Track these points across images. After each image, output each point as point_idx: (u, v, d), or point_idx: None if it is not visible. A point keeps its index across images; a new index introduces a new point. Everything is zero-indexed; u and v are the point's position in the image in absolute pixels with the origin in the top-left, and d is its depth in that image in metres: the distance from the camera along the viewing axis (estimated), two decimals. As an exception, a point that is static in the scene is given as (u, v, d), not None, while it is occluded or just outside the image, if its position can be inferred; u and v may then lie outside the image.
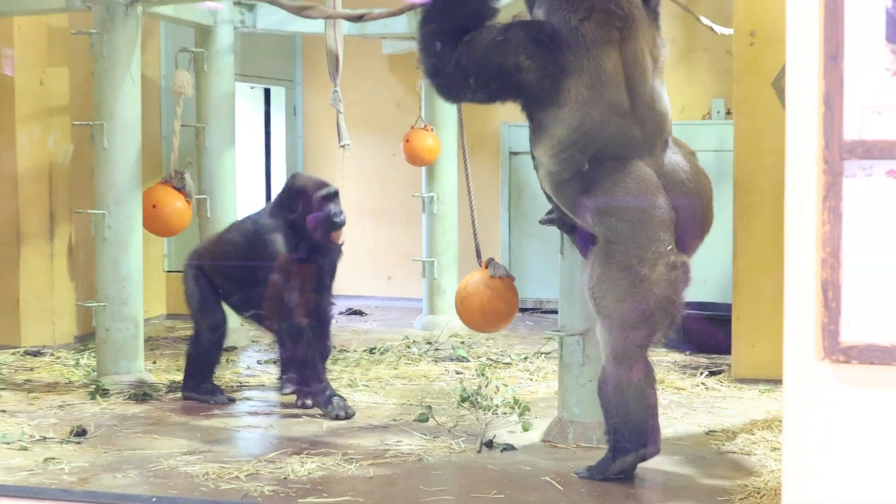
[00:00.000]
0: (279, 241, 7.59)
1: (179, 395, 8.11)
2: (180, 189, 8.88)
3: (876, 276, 3.15)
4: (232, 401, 7.98)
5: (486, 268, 7.26)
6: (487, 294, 7.20)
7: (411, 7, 6.71)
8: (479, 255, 7.68)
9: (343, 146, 9.75)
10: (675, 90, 11.89)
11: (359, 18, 6.82)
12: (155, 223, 8.87)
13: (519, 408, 7.42)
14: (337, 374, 8.80)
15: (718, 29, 9.61)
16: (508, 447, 6.64)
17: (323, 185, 7.75)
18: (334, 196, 7.70)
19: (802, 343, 3.21)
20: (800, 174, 3.17)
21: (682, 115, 11.90)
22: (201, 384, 8.01)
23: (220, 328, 8.08)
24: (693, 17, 9.51)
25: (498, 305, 7.26)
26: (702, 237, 6.24)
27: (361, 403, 7.90)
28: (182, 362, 8.40)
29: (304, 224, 7.61)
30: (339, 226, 7.67)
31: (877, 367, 3.16)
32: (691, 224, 5.99)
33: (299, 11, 6.47)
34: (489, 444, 6.66)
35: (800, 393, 3.22)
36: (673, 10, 9.29)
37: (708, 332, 9.70)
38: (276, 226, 7.65)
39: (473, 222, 7.92)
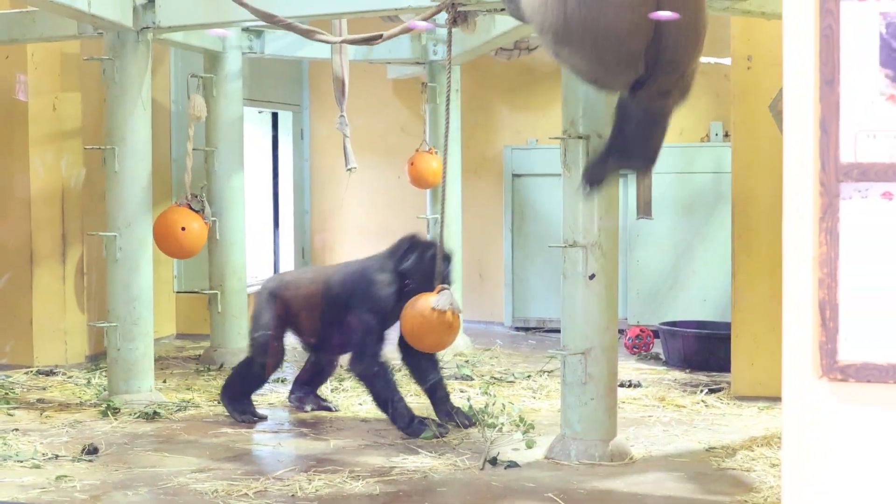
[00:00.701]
0: (385, 286, 7.67)
1: (189, 413, 8.19)
2: (199, 211, 8.99)
3: (872, 296, 3.18)
4: (262, 418, 8.12)
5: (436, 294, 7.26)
6: (419, 321, 7.22)
7: (423, 18, 6.75)
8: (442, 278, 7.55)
9: (349, 169, 9.87)
10: (674, 113, 12.02)
11: (374, 40, 6.88)
12: (180, 246, 8.97)
13: (523, 425, 7.51)
14: (346, 393, 8.86)
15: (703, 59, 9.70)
16: (512, 464, 6.72)
17: (430, 246, 7.76)
18: (449, 259, 7.64)
19: (800, 361, 3.23)
20: (797, 196, 3.22)
21: (681, 137, 12.00)
22: (238, 401, 8.14)
23: (277, 358, 8.19)
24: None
25: (424, 335, 7.29)
26: (697, 48, 5.92)
27: (368, 422, 7.98)
28: (191, 381, 8.45)
29: (414, 273, 7.63)
30: (442, 308, 7.27)
31: (874, 386, 3.18)
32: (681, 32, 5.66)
33: (313, 35, 6.55)
34: (493, 462, 6.73)
35: (798, 410, 3.25)
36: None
37: (707, 351, 9.79)
38: (384, 271, 7.72)
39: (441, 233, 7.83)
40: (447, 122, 7.31)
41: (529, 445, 7.11)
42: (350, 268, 8.05)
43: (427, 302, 7.15)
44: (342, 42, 7.71)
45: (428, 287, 7.33)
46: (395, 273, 7.69)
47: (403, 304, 7.35)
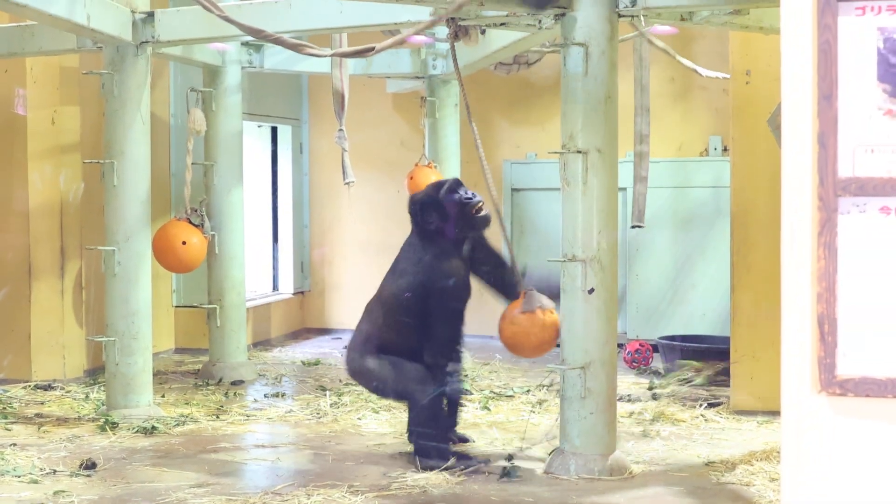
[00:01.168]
0: (453, 262, 7.20)
1: (187, 427, 8.18)
2: (198, 225, 8.99)
3: (871, 311, 3.19)
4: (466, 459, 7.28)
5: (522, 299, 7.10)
6: (513, 331, 7.13)
7: (415, 32, 6.74)
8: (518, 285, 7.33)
9: (348, 183, 9.89)
10: (673, 128, 12.08)
11: (366, 53, 6.88)
12: (180, 260, 8.97)
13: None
14: (345, 408, 8.86)
15: (703, 71, 9.73)
16: (509, 471, 6.76)
17: (439, 184, 7.36)
18: (456, 185, 7.26)
19: (799, 376, 3.24)
20: (795, 210, 3.23)
21: (679, 152, 12.01)
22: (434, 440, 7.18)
23: (433, 383, 7.15)
24: (684, 58, 9.61)
25: (523, 343, 7.18)
26: None
27: (369, 435, 7.98)
28: (189, 396, 8.42)
29: (448, 228, 7.21)
30: (477, 203, 7.15)
31: (872, 400, 3.19)
32: None
33: (302, 49, 6.55)
34: (508, 474, 6.77)
35: (797, 425, 3.26)
36: (671, 49, 9.40)
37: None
38: (435, 249, 7.19)
39: (509, 246, 7.68)
40: (475, 135, 7.23)
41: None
42: (407, 268, 7.29)
43: (514, 309, 7.10)
44: (332, 55, 7.69)
45: (468, 213, 7.18)
46: (441, 245, 7.22)
47: (461, 242, 7.24)
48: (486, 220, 7.25)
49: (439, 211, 7.18)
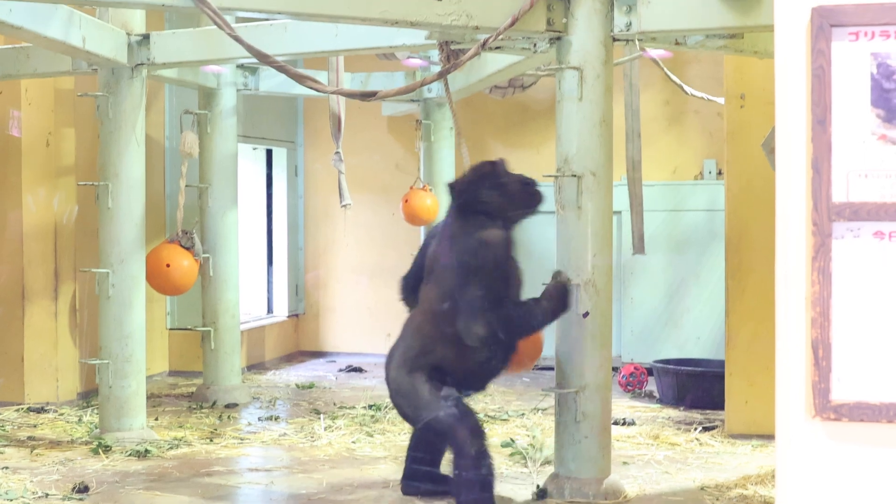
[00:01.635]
0: (501, 234, 6.34)
1: (181, 451, 8.16)
2: (189, 248, 8.98)
3: (865, 336, 3.19)
4: None
5: None
6: None
7: (422, 84, 6.79)
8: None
9: (344, 206, 9.90)
10: (667, 151, 12.10)
11: (369, 97, 6.89)
12: (167, 282, 8.95)
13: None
14: (339, 431, 8.84)
15: (689, 90, 9.76)
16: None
17: (488, 164, 6.58)
18: (504, 163, 6.60)
19: (794, 401, 3.24)
20: (789, 235, 3.23)
21: (674, 175, 12.03)
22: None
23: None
24: (675, 77, 9.64)
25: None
26: None
27: (363, 459, 7.97)
28: (183, 419, 8.38)
29: (511, 207, 6.41)
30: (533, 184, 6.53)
31: (867, 425, 3.19)
32: None
33: (304, 81, 6.56)
34: (542, 495, 6.76)
35: (792, 450, 3.25)
36: (664, 73, 9.42)
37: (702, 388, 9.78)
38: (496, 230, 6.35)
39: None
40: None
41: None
42: (448, 255, 6.45)
43: None
44: (334, 93, 7.70)
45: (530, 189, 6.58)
46: (489, 216, 6.40)
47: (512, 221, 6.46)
48: (542, 198, 6.59)
49: (501, 189, 6.44)
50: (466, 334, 6.23)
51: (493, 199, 6.39)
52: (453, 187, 6.51)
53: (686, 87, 9.67)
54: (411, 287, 6.87)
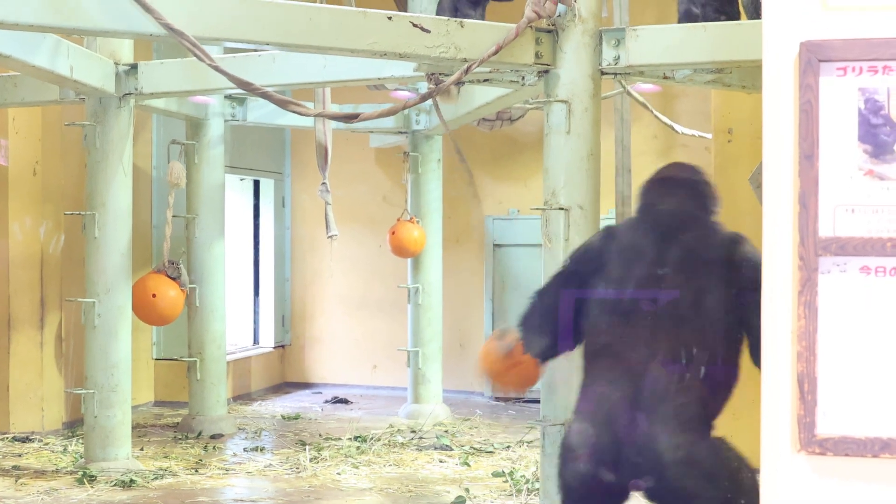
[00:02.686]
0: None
1: (166, 481, 8.13)
2: (175, 278, 8.97)
3: (850, 370, 3.19)
4: None
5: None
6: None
7: (405, 107, 6.81)
8: None
9: (331, 237, 9.89)
10: (657, 185, 12.09)
11: (352, 119, 6.89)
12: (153, 312, 8.93)
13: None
14: (325, 462, 8.82)
15: (679, 128, 9.79)
16: None
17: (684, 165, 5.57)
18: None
19: (779, 435, 3.23)
20: (776, 269, 3.24)
21: (664, 209, 12.03)
22: None
23: None
24: (663, 116, 9.67)
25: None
26: None
27: (349, 490, 7.95)
28: (168, 449, 8.33)
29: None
30: None
31: (852, 459, 3.18)
32: None
33: (287, 105, 6.56)
34: None
35: (777, 484, 3.25)
36: (653, 106, 9.45)
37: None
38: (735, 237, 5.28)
39: None
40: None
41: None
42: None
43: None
44: (317, 115, 7.70)
45: None
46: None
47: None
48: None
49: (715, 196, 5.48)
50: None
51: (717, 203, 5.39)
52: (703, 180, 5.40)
53: (676, 126, 9.69)
54: (559, 327, 5.26)
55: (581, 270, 5.16)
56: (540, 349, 5.17)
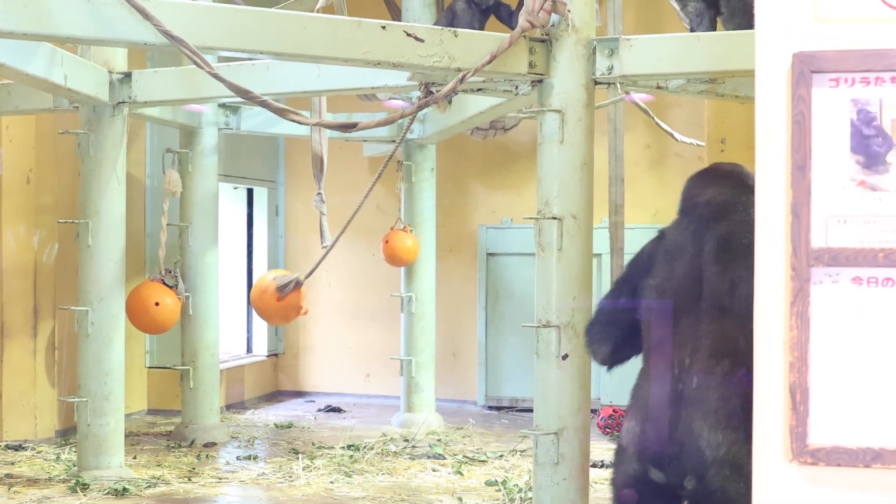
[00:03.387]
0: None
1: (158, 490, 8.12)
2: (172, 286, 8.97)
3: (842, 380, 3.20)
4: None
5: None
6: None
7: (401, 116, 6.82)
8: None
9: (325, 246, 9.88)
10: (648, 194, 12.12)
11: (349, 128, 6.90)
12: (153, 321, 8.94)
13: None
14: (318, 471, 8.82)
15: (679, 136, 9.79)
16: None
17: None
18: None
19: (771, 445, 3.24)
20: (768, 280, 3.25)
21: (654, 218, 12.04)
22: None
23: None
24: (664, 124, 9.67)
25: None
26: None
27: (341, 499, 7.94)
28: (161, 457, 8.32)
29: None
30: None
31: (844, 469, 3.19)
32: None
33: (285, 114, 6.57)
34: None
35: (769, 494, 3.25)
36: (646, 117, 9.45)
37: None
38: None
39: None
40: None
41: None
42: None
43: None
44: (315, 125, 7.71)
45: None
46: None
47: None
48: None
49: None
50: None
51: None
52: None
53: (676, 134, 9.70)
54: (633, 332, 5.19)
55: (635, 274, 5.20)
56: (604, 356, 5.26)
